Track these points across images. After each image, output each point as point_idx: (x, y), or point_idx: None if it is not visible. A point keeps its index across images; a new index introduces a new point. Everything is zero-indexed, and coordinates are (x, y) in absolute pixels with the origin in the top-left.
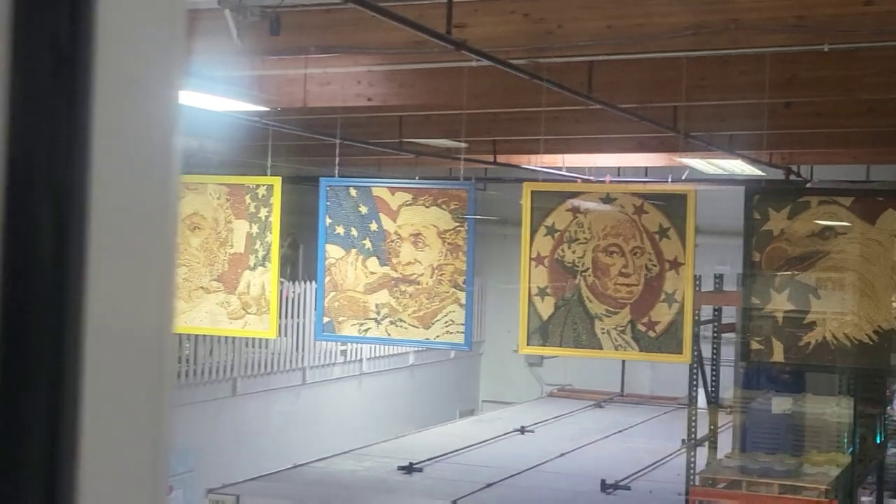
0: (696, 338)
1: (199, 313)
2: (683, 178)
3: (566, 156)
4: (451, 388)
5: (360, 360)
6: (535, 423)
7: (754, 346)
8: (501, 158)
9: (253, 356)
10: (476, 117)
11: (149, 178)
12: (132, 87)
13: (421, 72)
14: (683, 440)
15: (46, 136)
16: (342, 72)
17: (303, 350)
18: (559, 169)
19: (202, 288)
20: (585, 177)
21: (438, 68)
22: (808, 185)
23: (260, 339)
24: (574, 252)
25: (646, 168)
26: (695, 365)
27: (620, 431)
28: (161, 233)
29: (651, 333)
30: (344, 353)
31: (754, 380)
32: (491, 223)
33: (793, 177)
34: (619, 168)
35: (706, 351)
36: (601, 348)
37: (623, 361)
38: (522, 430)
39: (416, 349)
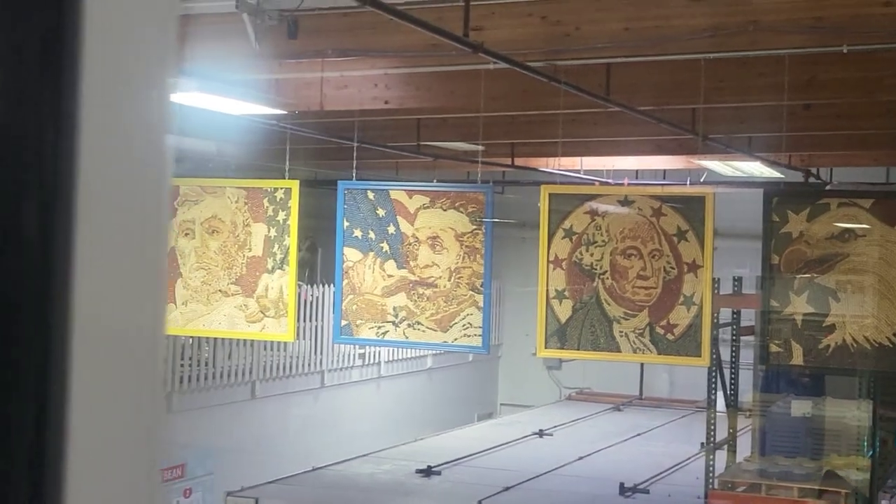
0: (714, 341)
1: (218, 316)
2: (702, 180)
3: (584, 158)
4: (469, 392)
5: (379, 363)
6: (554, 427)
7: (774, 348)
8: (519, 161)
9: (271, 359)
10: (493, 120)
11: (139, 178)
12: (122, 85)
13: (437, 75)
14: (702, 443)
15: (33, 134)
16: (359, 75)
17: (321, 353)
18: (577, 172)
19: (220, 291)
20: (603, 179)
21: (455, 71)
22: (828, 187)
23: (278, 343)
24: (592, 255)
25: (664, 171)
26: (713, 368)
27: (639, 435)
28: (151, 233)
29: (669, 336)
30: (362, 356)
31: (773, 383)
32: (509, 226)
33: (812, 179)
34: (636, 171)
35: (725, 354)
36: (619, 351)
37: (641, 364)
38: (541, 434)
39: (433, 352)
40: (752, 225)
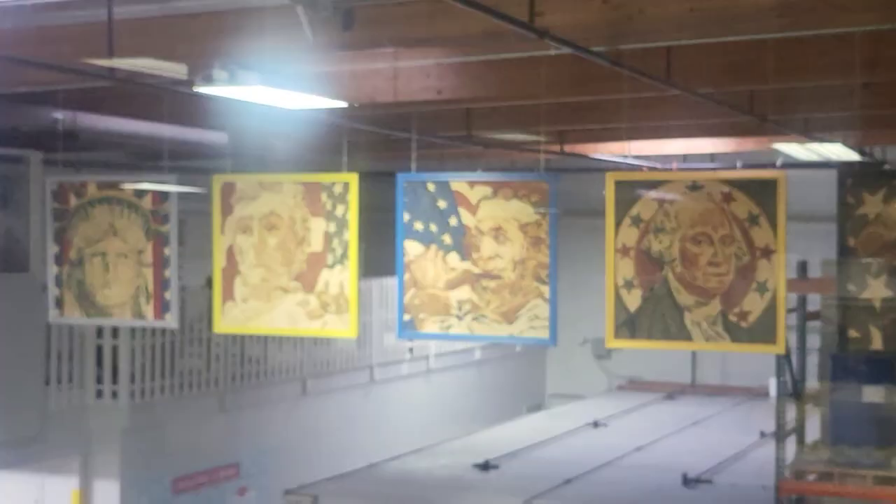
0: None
1: (278, 314)
2: (778, 163)
3: (633, 143)
4: (518, 383)
5: (427, 356)
6: (608, 417)
7: (853, 334)
8: (566, 148)
9: (321, 355)
10: (540, 108)
11: None
12: None
13: (490, 63)
14: (762, 432)
15: None
16: (412, 65)
17: (370, 348)
18: (625, 157)
19: (280, 288)
20: (651, 164)
21: (508, 59)
22: None
23: (327, 338)
24: (661, 242)
25: (711, 154)
26: (782, 356)
27: (695, 424)
28: None
29: (743, 324)
30: (411, 350)
31: (842, 369)
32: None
33: (867, 159)
34: (684, 155)
35: (790, 340)
36: (691, 340)
37: (693, 352)
38: (595, 424)
39: (481, 344)
40: (816, 208)
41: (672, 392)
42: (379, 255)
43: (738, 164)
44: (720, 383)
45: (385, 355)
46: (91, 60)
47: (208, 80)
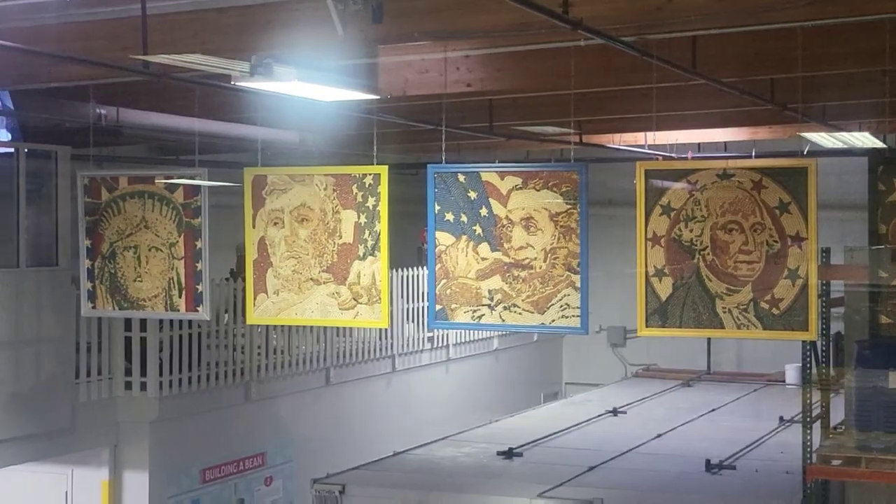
0: None
1: (310, 305)
2: (805, 152)
3: (649, 133)
4: (535, 371)
5: (447, 345)
6: (627, 405)
7: (884, 320)
8: (584, 138)
9: (344, 345)
10: (561, 98)
11: None
12: None
13: (516, 54)
14: (781, 417)
15: None
16: (441, 58)
17: (391, 337)
18: (642, 147)
19: (312, 280)
20: (667, 154)
21: (535, 50)
22: None
23: (349, 328)
24: (691, 230)
25: (725, 143)
26: (808, 343)
27: (713, 410)
28: None
29: (775, 311)
30: (431, 339)
31: (867, 355)
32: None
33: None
34: (699, 144)
35: None
36: (723, 328)
37: (708, 339)
38: (615, 412)
39: (500, 333)
40: (843, 196)
41: (688, 379)
42: (397, 246)
43: (753, 153)
44: (736, 370)
45: (406, 345)
46: (136, 56)
47: (247, 74)
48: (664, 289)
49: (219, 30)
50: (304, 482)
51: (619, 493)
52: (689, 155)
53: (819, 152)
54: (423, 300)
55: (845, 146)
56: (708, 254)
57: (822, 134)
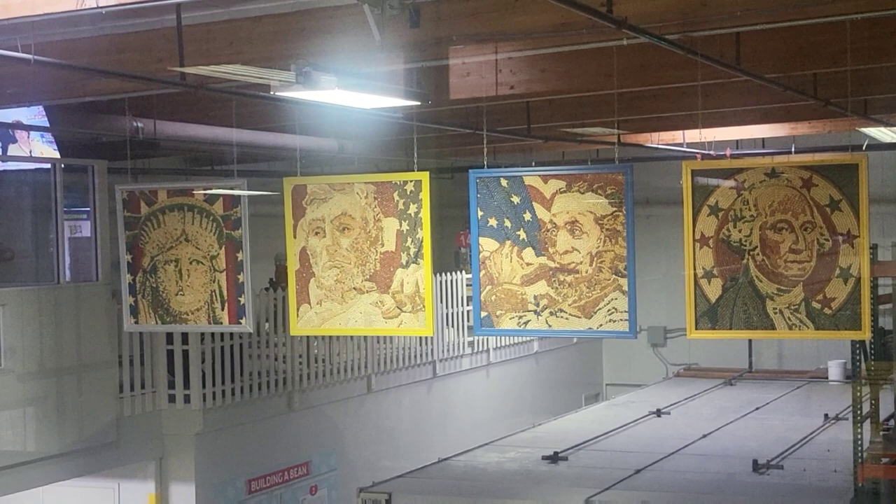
0: None
1: (354, 314)
2: (864, 147)
3: (687, 132)
4: (576, 374)
5: (487, 350)
6: (670, 405)
7: None
8: (622, 138)
9: (384, 352)
10: (599, 98)
11: None
12: None
13: (555, 56)
14: (826, 415)
15: None
16: (482, 61)
17: (431, 343)
18: (679, 145)
19: (355, 289)
20: (706, 152)
21: (575, 51)
22: None
23: (390, 336)
24: (740, 231)
25: (763, 139)
26: (857, 341)
27: (757, 409)
28: None
29: (827, 310)
30: (471, 344)
31: None
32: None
33: None
34: (737, 141)
35: None
36: (774, 329)
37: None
38: (659, 413)
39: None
40: (880, 189)
41: (730, 378)
42: (435, 250)
43: (793, 149)
44: (777, 367)
45: (446, 351)
46: (173, 68)
47: (288, 84)
48: (713, 290)
49: (254, 39)
50: (348, 490)
51: (668, 497)
52: (728, 152)
53: (876, 146)
54: (462, 305)
55: None
56: (758, 254)
57: (882, 129)
